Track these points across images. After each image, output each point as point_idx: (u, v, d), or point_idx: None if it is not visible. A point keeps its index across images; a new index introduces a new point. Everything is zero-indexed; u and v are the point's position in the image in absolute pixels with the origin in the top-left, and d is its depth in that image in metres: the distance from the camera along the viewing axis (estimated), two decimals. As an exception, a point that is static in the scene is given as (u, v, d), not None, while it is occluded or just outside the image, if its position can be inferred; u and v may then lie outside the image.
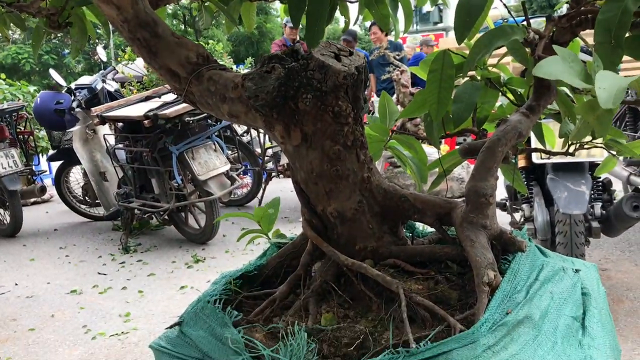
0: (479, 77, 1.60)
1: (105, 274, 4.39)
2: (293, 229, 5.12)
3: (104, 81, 5.72)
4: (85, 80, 5.82)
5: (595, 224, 3.06)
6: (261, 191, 6.07)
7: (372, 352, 1.17)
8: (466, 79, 1.56)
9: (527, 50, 1.29)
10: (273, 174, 6.25)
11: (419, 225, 1.66)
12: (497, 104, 1.70)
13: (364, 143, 1.36)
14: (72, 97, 5.47)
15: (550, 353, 1.14)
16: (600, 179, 3.25)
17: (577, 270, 1.33)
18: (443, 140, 1.58)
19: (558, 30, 1.26)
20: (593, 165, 3.15)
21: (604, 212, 3.12)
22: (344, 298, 1.34)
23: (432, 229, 1.61)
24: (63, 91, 5.72)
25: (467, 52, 1.30)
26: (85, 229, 5.86)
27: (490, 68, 1.61)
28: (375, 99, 7.75)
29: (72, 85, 5.74)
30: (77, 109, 5.39)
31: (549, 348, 1.15)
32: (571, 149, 1.56)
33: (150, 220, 5.50)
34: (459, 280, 1.29)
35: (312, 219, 1.39)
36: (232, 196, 6.12)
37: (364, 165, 1.35)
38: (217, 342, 1.24)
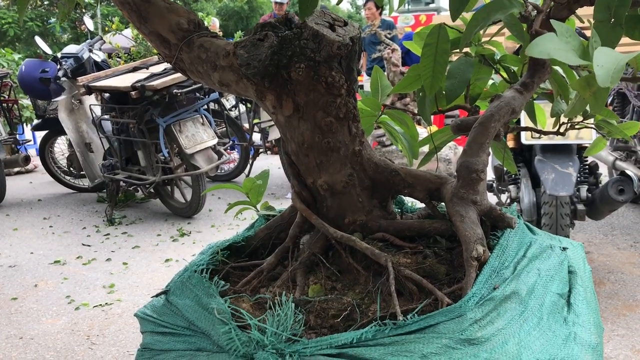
0: (472, 54, 1.59)
1: (89, 246, 4.36)
2: (279, 206, 5.10)
3: (90, 51, 5.62)
4: (71, 49, 5.71)
5: (580, 207, 3.08)
6: (248, 167, 6.04)
7: (359, 323, 1.17)
8: (460, 55, 1.55)
9: (524, 26, 1.28)
10: (261, 149, 6.22)
11: (408, 201, 1.66)
12: (490, 82, 1.69)
13: (356, 116, 1.35)
14: (58, 66, 5.37)
15: (536, 328, 1.15)
16: (587, 162, 3.26)
17: (564, 249, 1.33)
18: (432, 118, 1.57)
19: (555, 6, 1.25)
20: (581, 148, 3.16)
21: (589, 195, 3.15)
22: (331, 270, 1.33)
23: (422, 205, 1.61)
24: (49, 60, 5.61)
25: (462, 28, 1.29)
26: (70, 200, 5.80)
27: (484, 45, 1.60)
28: (365, 78, 7.72)
29: (58, 54, 5.63)
30: (63, 78, 5.29)
31: (535, 324, 1.16)
32: (562, 129, 1.56)
33: (136, 192, 5.46)
34: (447, 255, 1.29)
35: (301, 192, 1.38)
36: (218, 171, 6.08)
37: (356, 138, 1.34)
38: (204, 312, 1.24)
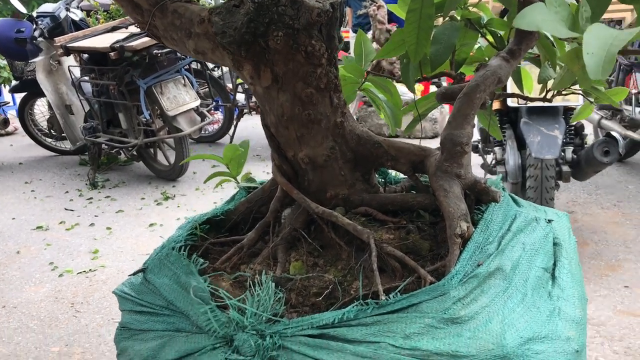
0: (458, 17, 1.53)
1: (72, 210, 4.31)
2: (265, 168, 5.07)
3: (67, 9, 5.44)
4: (47, 7, 5.52)
5: (565, 168, 3.06)
6: (232, 128, 5.96)
7: (340, 302, 1.15)
8: (446, 19, 1.50)
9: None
10: (245, 110, 6.12)
11: (392, 172, 1.63)
12: (476, 46, 1.64)
13: (337, 86, 1.30)
14: (34, 26, 5.20)
15: (520, 305, 1.13)
16: (573, 124, 3.24)
17: (549, 221, 1.31)
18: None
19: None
20: (567, 110, 3.13)
21: (574, 156, 3.13)
22: (313, 246, 1.30)
23: (405, 176, 1.58)
24: (24, 19, 5.42)
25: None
26: (52, 163, 5.71)
27: (470, 8, 1.54)
28: (351, 34, 7.57)
29: (34, 13, 5.45)
30: (40, 39, 5.13)
31: (519, 300, 1.14)
32: (549, 95, 1.52)
33: (119, 155, 5.38)
34: (431, 230, 1.26)
35: (282, 165, 1.34)
36: (202, 132, 6.00)
37: (338, 110, 1.30)
38: (182, 291, 1.21)
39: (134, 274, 1.31)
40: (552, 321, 1.14)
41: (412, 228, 1.24)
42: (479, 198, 1.24)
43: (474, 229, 1.16)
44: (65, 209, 4.34)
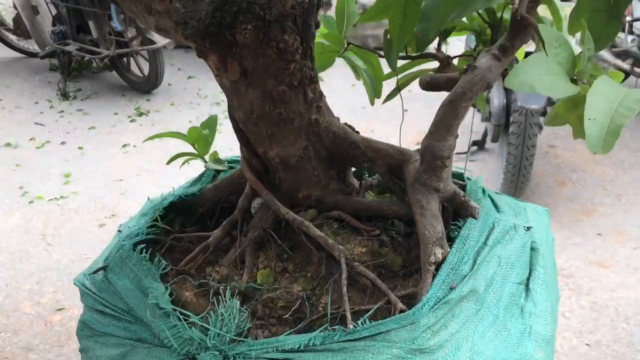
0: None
1: (42, 125, 4.16)
2: (223, 117, 4.88)
3: None
4: None
5: (550, 110, 2.98)
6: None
7: (308, 320, 1.11)
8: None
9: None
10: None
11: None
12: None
13: (312, 78, 1.18)
14: None
15: (491, 328, 1.11)
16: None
17: (528, 228, 1.26)
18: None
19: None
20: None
21: (561, 98, 3.04)
22: (283, 248, 1.25)
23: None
24: None
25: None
26: (20, 67, 5.44)
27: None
28: None
29: None
30: None
31: (490, 322, 1.11)
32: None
33: (90, 64, 5.13)
34: (404, 242, 1.20)
35: (251, 160, 1.24)
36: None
37: (312, 105, 1.19)
38: (144, 297, 1.15)
39: (94, 272, 1.25)
40: (522, 344, 1.12)
41: (386, 240, 1.19)
42: (457, 212, 1.18)
43: (449, 250, 1.11)
44: (35, 124, 4.18)
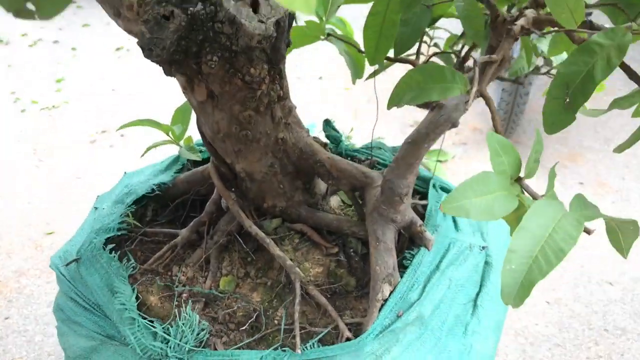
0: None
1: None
2: None
3: None
4: None
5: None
6: None
7: (263, 332, 1.20)
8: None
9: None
10: None
11: (346, 142, 1.56)
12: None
13: (282, 96, 1.18)
14: None
15: (433, 351, 1.19)
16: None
17: (483, 248, 1.31)
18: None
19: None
20: None
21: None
22: (246, 250, 1.31)
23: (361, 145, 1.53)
24: None
25: None
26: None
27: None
28: None
29: None
30: None
31: (432, 345, 1.20)
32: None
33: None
34: (360, 262, 1.26)
35: (220, 167, 1.27)
36: None
37: (280, 124, 1.19)
38: (112, 298, 1.23)
39: (67, 264, 1.31)
40: (460, 365, 1.22)
41: (342, 260, 1.24)
42: (412, 239, 1.22)
43: (399, 279, 1.17)
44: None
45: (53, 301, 2.10)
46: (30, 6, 0.51)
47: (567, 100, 0.87)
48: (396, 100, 0.92)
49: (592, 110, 1.08)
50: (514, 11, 1.13)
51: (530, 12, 0.99)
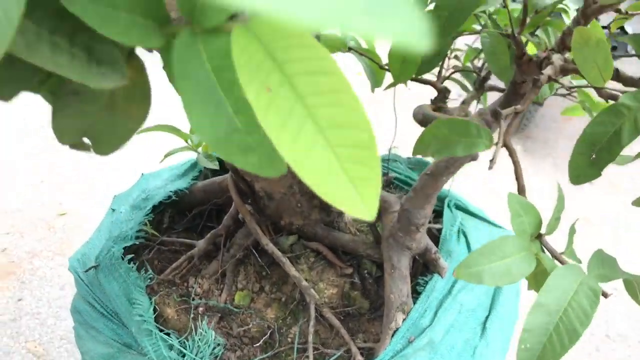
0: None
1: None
2: None
3: None
4: None
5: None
6: None
7: (276, 349, 1.23)
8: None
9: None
10: None
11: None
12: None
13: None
14: None
15: (440, 374, 1.23)
16: None
17: (495, 272, 1.33)
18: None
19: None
20: None
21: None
22: (261, 264, 1.33)
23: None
24: None
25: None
26: None
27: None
28: None
29: None
30: None
31: (440, 368, 1.23)
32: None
33: None
34: (374, 285, 1.28)
35: (239, 183, 1.28)
36: None
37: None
38: (130, 307, 1.26)
39: (87, 270, 1.34)
40: (466, 389, 1.25)
41: (357, 281, 1.26)
42: (426, 265, 1.24)
43: (412, 306, 1.19)
44: None
45: (65, 284, 2.14)
46: (87, 140, 0.51)
47: (594, 156, 0.87)
48: (421, 149, 0.92)
49: (620, 157, 1.08)
50: (539, 51, 1.12)
51: (557, 59, 0.98)
